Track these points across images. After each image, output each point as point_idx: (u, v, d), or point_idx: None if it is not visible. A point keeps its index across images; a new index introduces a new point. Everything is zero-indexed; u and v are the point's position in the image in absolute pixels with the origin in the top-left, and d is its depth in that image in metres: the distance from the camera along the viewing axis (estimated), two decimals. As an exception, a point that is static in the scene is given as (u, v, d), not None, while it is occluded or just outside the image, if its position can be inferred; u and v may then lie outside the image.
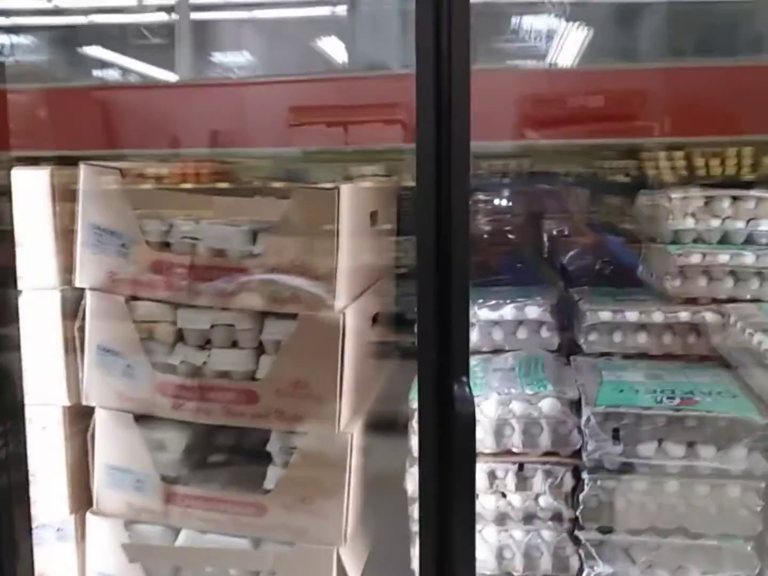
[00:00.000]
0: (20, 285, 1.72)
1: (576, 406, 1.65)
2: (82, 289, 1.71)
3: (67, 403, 1.73)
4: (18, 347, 1.70)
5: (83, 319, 1.71)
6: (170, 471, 1.73)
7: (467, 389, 1.38)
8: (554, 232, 3.19)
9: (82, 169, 1.69)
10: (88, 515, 1.72)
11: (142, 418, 1.72)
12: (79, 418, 1.75)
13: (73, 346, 1.73)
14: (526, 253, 2.93)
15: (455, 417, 1.36)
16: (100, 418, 1.71)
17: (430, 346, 1.43)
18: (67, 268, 1.73)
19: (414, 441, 1.63)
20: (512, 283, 2.22)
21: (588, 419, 1.60)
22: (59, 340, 1.73)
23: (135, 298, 1.70)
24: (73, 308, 1.74)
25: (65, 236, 1.73)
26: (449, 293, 1.41)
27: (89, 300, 1.70)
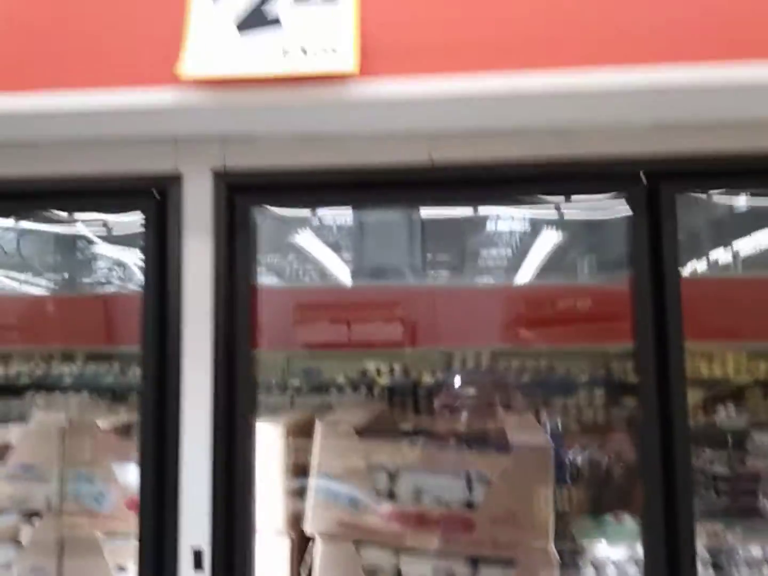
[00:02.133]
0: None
1: None
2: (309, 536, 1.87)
3: None
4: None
5: (311, 564, 1.85)
6: None
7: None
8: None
9: (319, 426, 1.91)
10: None
11: None
12: None
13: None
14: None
15: None
16: None
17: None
18: (295, 514, 1.89)
19: None
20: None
21: None
22: (287, 584, 1.85)
23: (359, 543, 1.87)
24: (299, 554, 1.88)
25: (294, 480, 1.91)
26: (676, 533, 1.66)
27: (319, 546, 1.85)
